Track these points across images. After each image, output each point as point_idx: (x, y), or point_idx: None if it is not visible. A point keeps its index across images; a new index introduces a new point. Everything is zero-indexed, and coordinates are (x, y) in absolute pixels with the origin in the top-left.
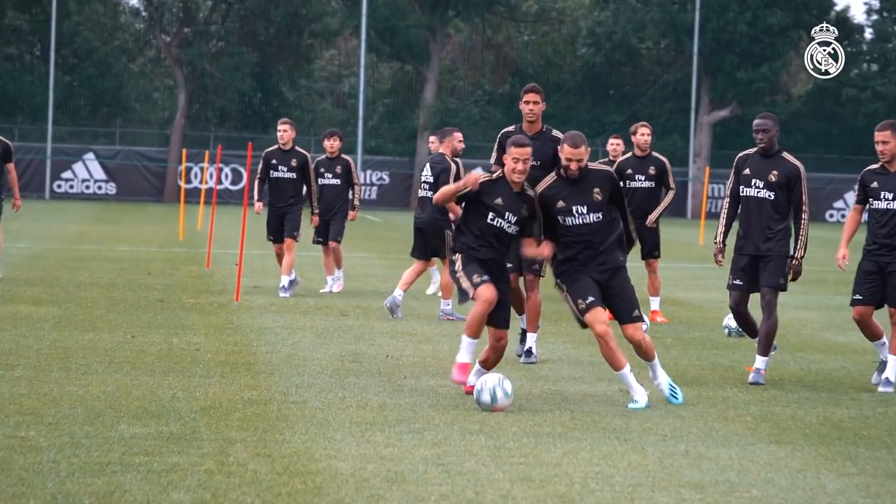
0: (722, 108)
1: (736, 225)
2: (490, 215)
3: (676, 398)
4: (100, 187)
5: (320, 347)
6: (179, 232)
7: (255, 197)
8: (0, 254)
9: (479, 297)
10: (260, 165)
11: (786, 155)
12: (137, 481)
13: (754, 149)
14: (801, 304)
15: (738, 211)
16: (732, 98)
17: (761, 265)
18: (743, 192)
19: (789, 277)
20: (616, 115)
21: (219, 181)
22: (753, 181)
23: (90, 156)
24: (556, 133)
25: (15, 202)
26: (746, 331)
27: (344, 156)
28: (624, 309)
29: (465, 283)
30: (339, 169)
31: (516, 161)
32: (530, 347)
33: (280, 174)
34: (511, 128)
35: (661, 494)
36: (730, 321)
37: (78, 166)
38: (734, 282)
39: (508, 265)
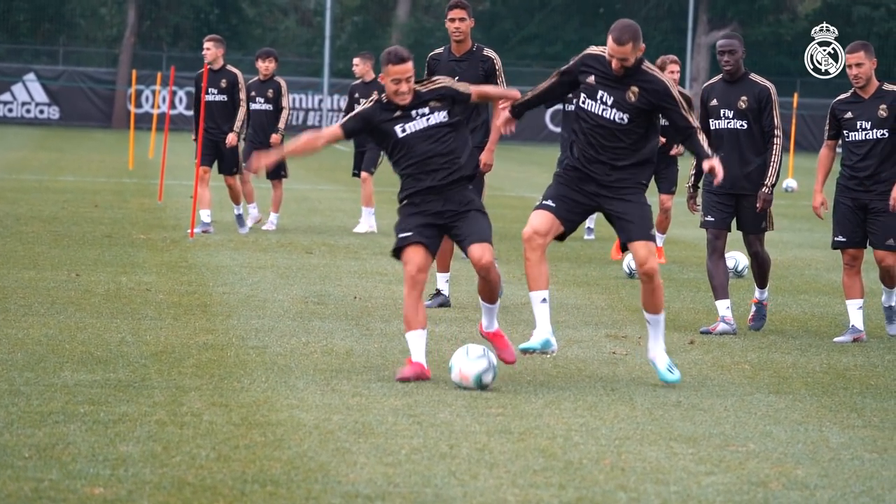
0: (721, 28)
1: None
2: (399, 129)
3: (674, 374)
4: (42, 111)
5: (282, 288)
6: (129, 161)
7: (193, 135)
8: None
9: (404, 271)
10: (194, 90)
11: (754, 77)
12: (82, 432)
13: (718, 76)
14: (806, 243)
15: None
16: (733, 17)
17: (741, 206)
18: (713, 125)
19: (758, 206)
20: (606, 36)
21: (172, 105)
22: (722, 111)
23: (31, 76)
24: (487, 52)
25: None
26: (712, 283)
27: (277, 78)
28: (633, 225)
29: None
30: (270, 93)
31: (397, 82)
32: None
33: (210, 97)
34: (440, 50)
35: (650, 448)
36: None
37: (17, 88)
38: (707, 218)
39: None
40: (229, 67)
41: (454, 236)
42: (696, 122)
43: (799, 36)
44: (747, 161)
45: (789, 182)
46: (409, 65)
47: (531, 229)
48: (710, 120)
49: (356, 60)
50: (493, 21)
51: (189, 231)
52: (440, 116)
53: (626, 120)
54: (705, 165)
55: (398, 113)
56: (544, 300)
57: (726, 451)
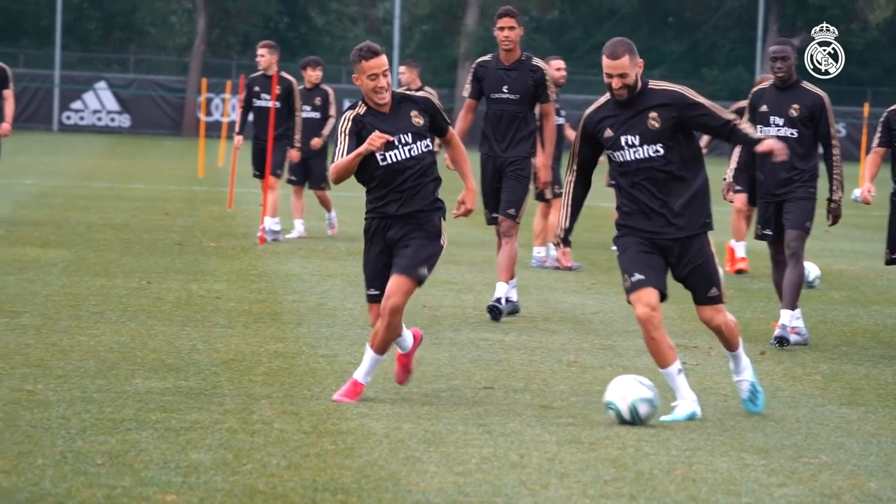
0: (791, 37)
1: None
2: (379, 156)
3: (756, 405)
4: (113, 119)
5: (352, 296)
6: (199, 169)
7: (237, 129)
8: None
9: (370, 317)
10: (244, 93)
11: (806, 85)
12: (154, 440)
13: (769, 82)
14: (877, 253)
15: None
16: (803, 26)
17: (785, 207)
18: (761, 131)
19: (829, 222)
20: (675, 45)
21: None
22: (772, 118)
23: (102, 85)
24: (536, 62)
25: (3, 124)
26: (780, 296)
27: (324, 86)
28: (699, 286)
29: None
30: (318, 101)
31: (374, 78)
32: (500, 298)
33: (263, 103)
34: (487, 57)
35: (721, 459)
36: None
37: (89, 96)
38: (763, 231)
39: (495, 215)
40: (284, 74)
41: (394, 260)
42: (730, 115)
43: (870, 45)
44: (795, 168)
45: (858, 192)
46: (384, 58)
47: (646, 308)
48: (759, 126)
49: (402, 68)
50: (561, 30)
51: (259, 239)
52: (422, 146)
53: (662, 150)
54: (762, 149)
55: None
56: (680, 371)
57: (798, 462)
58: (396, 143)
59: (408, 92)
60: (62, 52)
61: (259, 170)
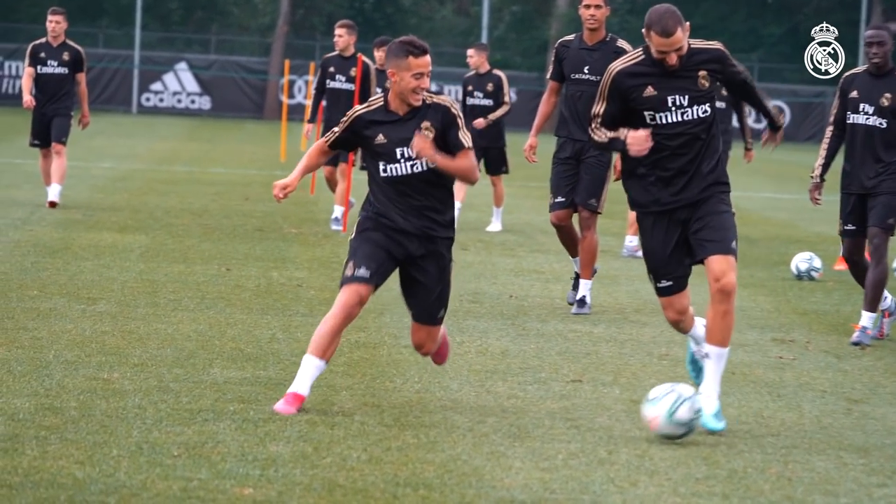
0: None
1: (840, 159)
2: (381, 166)
3: (720, 419)
4: (193, 101)
5: None
6: (281, 153)
7: (307, 116)
8: (64, 180)
9: (337, 300)
10: (318, 74)
11: None
12: (231, 431)
13: (863, 67)
14: None
15: (843, 141)
16: None
17: (869, 203)
18: (849, 118)
19: None
20: (774, 27)
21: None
22: (861, 106)
23: (182, 66)
24: (621, 43)
25: (82, 118)
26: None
27: None
28: (718, 237)
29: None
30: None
31: (419, 77)
32: (584, 297)
33: (338, 84)
34: (570, 37)
35: (818, 458)
36: None
37: (169, 77)
38: (845, 227)
39: (560, 199)
40: (364, 59)
41: (405, 293)
42: (743, 68)
43: None
44: (880, 160)
45: None
46: (429, 57)
47: (676, 315)
48: (848, 112)
49: (470, 52)
50: None
51: (341, 226)
52: (427, 162)
53: (708, 111)
54: (766, 134)
55: (381, 139)
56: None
57: None
58: (399, 156)
59: (434, 96)
60: (142, 32)
61: (331, 161)
